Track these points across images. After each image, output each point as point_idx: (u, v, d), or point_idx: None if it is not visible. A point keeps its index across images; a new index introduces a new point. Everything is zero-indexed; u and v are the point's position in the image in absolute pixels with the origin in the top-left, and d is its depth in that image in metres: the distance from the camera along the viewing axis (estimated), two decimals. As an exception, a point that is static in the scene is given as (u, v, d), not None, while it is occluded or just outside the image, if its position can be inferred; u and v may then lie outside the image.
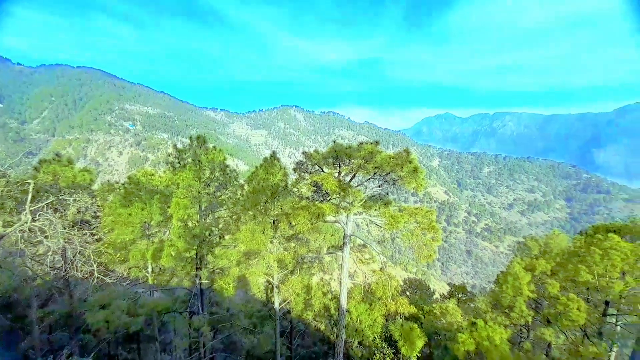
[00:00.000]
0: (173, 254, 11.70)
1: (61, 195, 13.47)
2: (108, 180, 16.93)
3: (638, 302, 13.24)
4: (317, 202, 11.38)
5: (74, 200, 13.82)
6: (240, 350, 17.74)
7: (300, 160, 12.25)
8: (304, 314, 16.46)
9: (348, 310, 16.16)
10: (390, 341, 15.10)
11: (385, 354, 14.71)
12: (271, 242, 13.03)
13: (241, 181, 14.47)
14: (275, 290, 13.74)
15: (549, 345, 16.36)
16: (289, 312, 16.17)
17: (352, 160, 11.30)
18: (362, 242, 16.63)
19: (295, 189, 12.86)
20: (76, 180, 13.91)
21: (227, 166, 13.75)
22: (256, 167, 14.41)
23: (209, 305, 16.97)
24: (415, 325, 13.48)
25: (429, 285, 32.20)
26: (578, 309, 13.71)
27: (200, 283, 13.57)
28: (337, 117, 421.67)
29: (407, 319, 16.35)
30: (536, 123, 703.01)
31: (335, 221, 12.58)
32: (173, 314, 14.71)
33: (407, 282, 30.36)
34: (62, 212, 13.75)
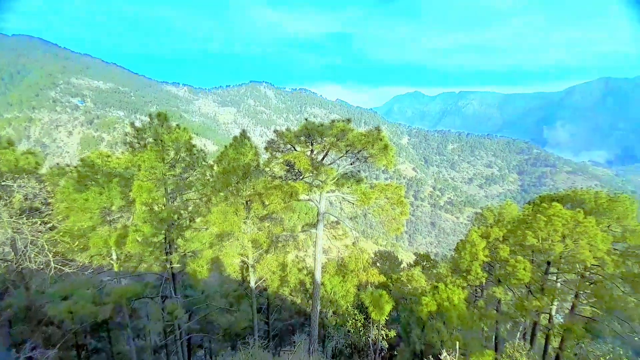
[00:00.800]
0: (139, 240, 11.18)
1: (3, 181, 12.02)
2: (58, 164, 15.30)
3: (575, 262, 15.33)
4: (290, 182, 11.34)
5: (19, 186, 12.43)
6: (217, 329, 18.00)
7: (272, 139, 11.97)
8: (281, 290, 16.93)
9: (322, 284, 16.88)
10: (361, 308, 16.19)
11: (357, 320, 15.80)
12: (244, 222, 12.92)
13: (210, 162, 13.88)
14: (250, 269, 13.86)
15: (499, 301, 18.59)
16: (265, 289, 16.51)
17: (325, 139, 11.27)
18: (336, 219, 17.11)
19: (267, 169, 12.65)
20: (19, 164, 12.44)
21: (193, 146, 13.05)
22: (225, 147, 13.85)
23: (183, 288, 16.75)
24: (384, 292, 14.52)
25: (397, 256, 34.41)
26: (524, 269, 15.56)
27: (172, 267, 13.24)
28: (309, 94, 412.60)
29: (377, 287, 17.53)
30: (496, 102, 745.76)
31: (308, 199, 12.71)
32: (144, 299, 14.34)
33: (377, 254, 32.17)
34: (6, 200, 12.35)
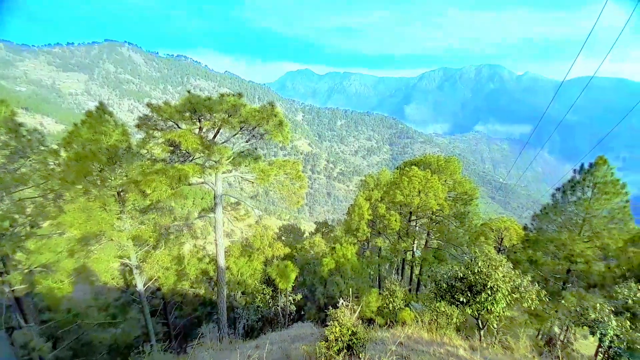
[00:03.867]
0: None
1: None
2: None
3: (427, 209, 20.23)
4: (176, 164, 9.92)
5: None
6: (99, 348, 14.87)
7: (146, 115, 9.94)
8: (179, 285, 15.31)
9: (228, 268, 16.29)
10: (269, 281, 16.71)
11: (266, 293, 16.29)
12: (119, 218, 10.67)
13: (53, 146, 10.43)
14: (135, 271, 11.81)
15: (380, 249, 22.86)
16: (158, 289, 14.57)
17: (214, 115, 10.23)
18: (236, 200, 16.41)
19: (144, 151, 10.58)
20: None
21: (20, 125, 9.43)
22: (76, 125, 10.68)
23: (37, 313, 12.79)
24: (289, 262, 15.40)
25: (300, 227, 36.61)
26: (395, 220, 19.52)
27: (13, 290, 9.77)
28: (192, 63, 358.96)
29: (283, 259, 18.35)
30: (372, 83, 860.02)
31: (202, 182, 11.58)
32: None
33: (281, 228, 33.29)
34: None
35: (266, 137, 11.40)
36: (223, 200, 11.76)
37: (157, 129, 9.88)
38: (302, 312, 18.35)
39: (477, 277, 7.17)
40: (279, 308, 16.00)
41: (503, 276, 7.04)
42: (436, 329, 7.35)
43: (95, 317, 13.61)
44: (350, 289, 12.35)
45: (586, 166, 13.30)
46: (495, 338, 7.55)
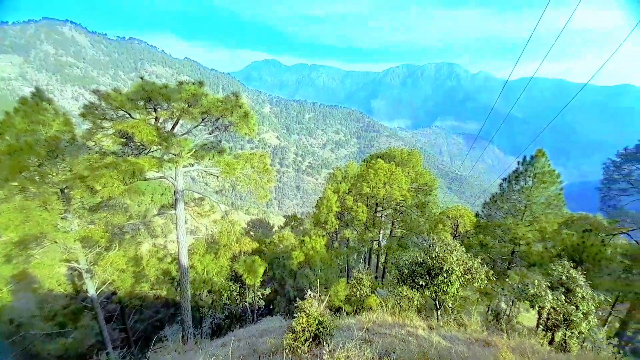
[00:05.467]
0: None
1: None
2: None
3: (391, 200, 21.13)
4: (130, 158, 9.14)
5: None
6: (48, 359, 13.46)
7: (92, 103, 8.97)
8: (137, 288, 14.34)
9: (192, 266, 15.61)
10: (236, 278, 16.37)
11: (233, 290, 15.96)
12: (64, 218, 9.64)
13: (-25, 137, 9.02)
14: (85, 275, 10.82)
15: (348, 240, 23.46)
16: (114, 293, 13.52)
17: (172, 104, 9.58)
18: (200, 195, 15.65)
19: (91, 143, 9.58)
20: None
21: None
22: (8, 114, 9.34)
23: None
24: (257, 257, 15.19)
25: (269, 222, 36.24)
26: (362, 212, 20.15)
27: None
28: (147, 48, 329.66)
29: (252, 254, 18.04)
30: (339, 76, 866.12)
31: (161, 177, 10.85)
32: None
33: (250, 223, 32.65)
34: None
35: (231, 129, 10.98)
36: (184, 195, 11.16)
37: (106, 119, 8.98)
38: (272, 306, 18.32)
39: (434, 262, 7.72)
40: (247, 304, 15.77)
41: (457, 259, 7.66)
42: (399, 312, 7.81)
43: (42, 327, 12.29)
44: (320, 281, 12.58)
45: (528, 158, 14.86)
46: (451, 317, 8.25)
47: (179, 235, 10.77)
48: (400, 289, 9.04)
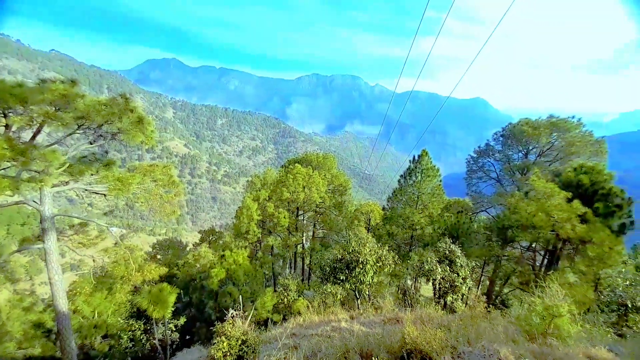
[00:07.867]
0: None
1: None
2: None
3: (311, 203, 21.88)
4: (-41, 180, 6.64)
5: None
6: None
7: None
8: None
9: (76, 311, 12.46)
10: (140, 314, 13.93)
11: (136, 329, 13.52)
12: None
13: None
14: None
15: (272, 247, 23.07)
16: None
17: (32, 108, 7.46)
18: (82, 220, 12.59)
19: None
20: None
21: None
22: None
23: None
24: (165, 284, 13.29)
25: (181, 240, 32.22)
26: (284, 217, 20.20)
27: None
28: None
29: (160, 281, 15.63)
30: (253, 82, 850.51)
31: (20, 202, 8.32)
32: None
33: (156, 245, 28.27)
34: None
35: (121, 137, 9.29)
36: (57, 222, 8.83)
37: None
38: (189, 336, 16.29)
39: (351, 256, 8.41)
40: (156, 341, 13.56)
41: (370, 250, 8.56)
42: (324, 310, 8.15)
43: None
44: (245, 295, 11.92)
45: (416, 157, 17.91)
46: (369, 303, 9.13)
47: (51, 274, 8.44)
48: (324, 287, 9.45)
